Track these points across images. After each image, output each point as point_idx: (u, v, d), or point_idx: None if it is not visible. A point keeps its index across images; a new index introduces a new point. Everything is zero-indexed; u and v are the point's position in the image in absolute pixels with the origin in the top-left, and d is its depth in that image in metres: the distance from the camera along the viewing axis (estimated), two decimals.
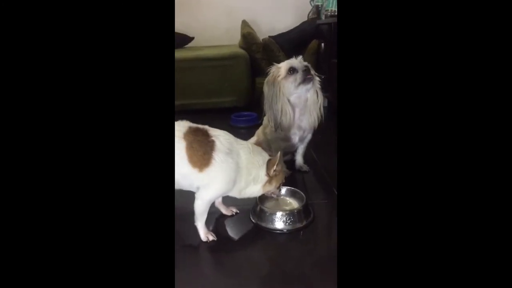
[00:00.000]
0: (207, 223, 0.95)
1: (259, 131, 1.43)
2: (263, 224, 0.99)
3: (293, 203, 1.09)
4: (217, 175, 0.85)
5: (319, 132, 1.37)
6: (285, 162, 1.43)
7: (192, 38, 2.67)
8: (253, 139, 1.47)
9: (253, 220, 1.03)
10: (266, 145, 1.30)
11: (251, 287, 0.77)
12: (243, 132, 1.91)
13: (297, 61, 1.16)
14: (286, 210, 1.01)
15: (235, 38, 2.64)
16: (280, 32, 2.52)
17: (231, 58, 2.24)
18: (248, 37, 2.32)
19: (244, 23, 2.55)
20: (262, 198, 1.05)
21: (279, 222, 0.98)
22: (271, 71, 1.21)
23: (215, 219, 1.06)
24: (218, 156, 0.84)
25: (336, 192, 1.16)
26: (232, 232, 1.00)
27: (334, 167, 1.20)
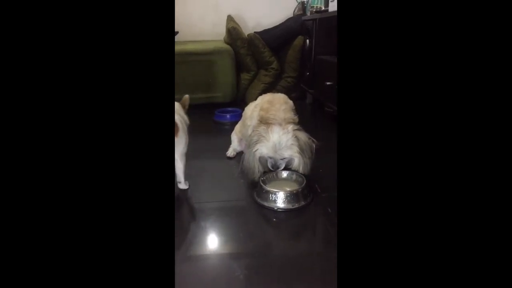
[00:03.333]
0: (200, 218, 0.91)
1: (237, 130, 1.49)
2: (266, 203, 1.07)
3: (293, 185, 1.15)
4: (182, 135, 1.09)
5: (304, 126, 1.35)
6: None
7: (176, 33, 2.61)
8: (235, 137, 1.50)
9: (257, 200, 1.10)
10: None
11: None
12: (227, 128, 1.88)
13: (277, 154, 1.14)
14: (287, 191, 1.07)
15: (221, 33, 2.59)
16: (265, 28, 2.49)
17: (215, 53, 2.20)
18: (233, 32, 2.28)
19: (229, 18, 2.50)
20: (265, 180, 1.13)
21: (280, 201, 1.06)
22: (259, 132, 1.16)
23: (204, 213, 1.03)
24: (181, 124, 1.09)
25: (319, 190, 1.15)
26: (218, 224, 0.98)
27: (317, 164, 1.20)
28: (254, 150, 1.14)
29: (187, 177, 1.19)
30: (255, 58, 2.37)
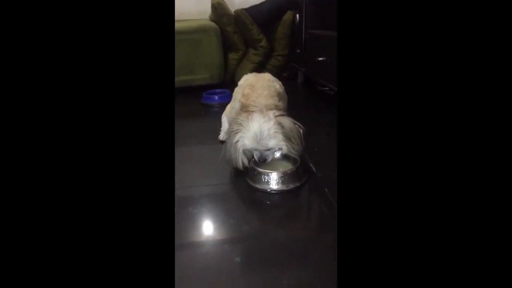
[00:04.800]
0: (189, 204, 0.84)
1: (227, 111, 1.37)
2: (258, 186, 0.99)
3: (287, 165, 1.07)
4: None
5: (294, 106, 1.28)
6: None
7: None
8: (225, 119, 1.40)
9: (249, 183, 1.02)
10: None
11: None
12: (216, 110, 1.79)
13: (260, 145, 1.01)
14: (281, 171, 1.00)
15: (206, 12, 2.45)
16: (253, 4, 2.36)
17: (200, 31, 2.07)
18: (218, 7, 2.15)
19: None
20: (257, 161, 1.04)
21: (273, 183, 0.99)
22: (239, 121, 1.04)
23: (193, 199, 0.96)
24: None
25: (314, 170, 1.09)
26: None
27: (312, 143, 1.14)
28: (234, 140, 1.04)
29: (176, 162, 1.11)
30: (243, 36, 2.25)
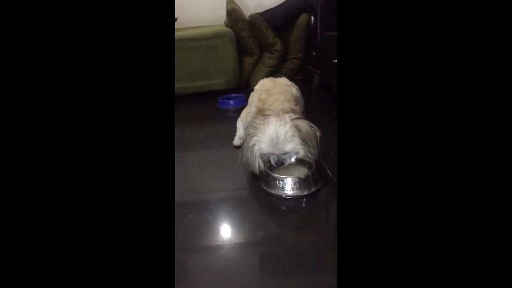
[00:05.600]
0: (205, 209, 0.86)
1: (242, 116, 1.37)
2: (273, 191, 0.99)
3: (302, 169, 1.06)
4: None
5: (310, 109, 1.27)
6: None
7: (175, 19, 2.52)
8: (241, 125, 1.41)
9: (264, 188, 1.03)
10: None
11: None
12: (231, 114, 1.81)
13: (276, 149, 1.01)
14: (296, 177, 0.99)
15: (222, 18, 2.49)
16: (267, 8, 2.37)
17: (215, 37, 2.10)
18: (233, 13, 2.18)
19: (229, 0, 2.39)
20: (272, 166, 1.04)
21: (288, 188, 0.99)
22: (255, 125, 1.04)
23: (210, 204, 0.98)
24: None
25: (330, 174, 1.08)
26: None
27: (327, 147, 1.13)
28: (251, 144, 1.03)
29: (191, 167, 1.13)
30: (258, 40, 2.26)
